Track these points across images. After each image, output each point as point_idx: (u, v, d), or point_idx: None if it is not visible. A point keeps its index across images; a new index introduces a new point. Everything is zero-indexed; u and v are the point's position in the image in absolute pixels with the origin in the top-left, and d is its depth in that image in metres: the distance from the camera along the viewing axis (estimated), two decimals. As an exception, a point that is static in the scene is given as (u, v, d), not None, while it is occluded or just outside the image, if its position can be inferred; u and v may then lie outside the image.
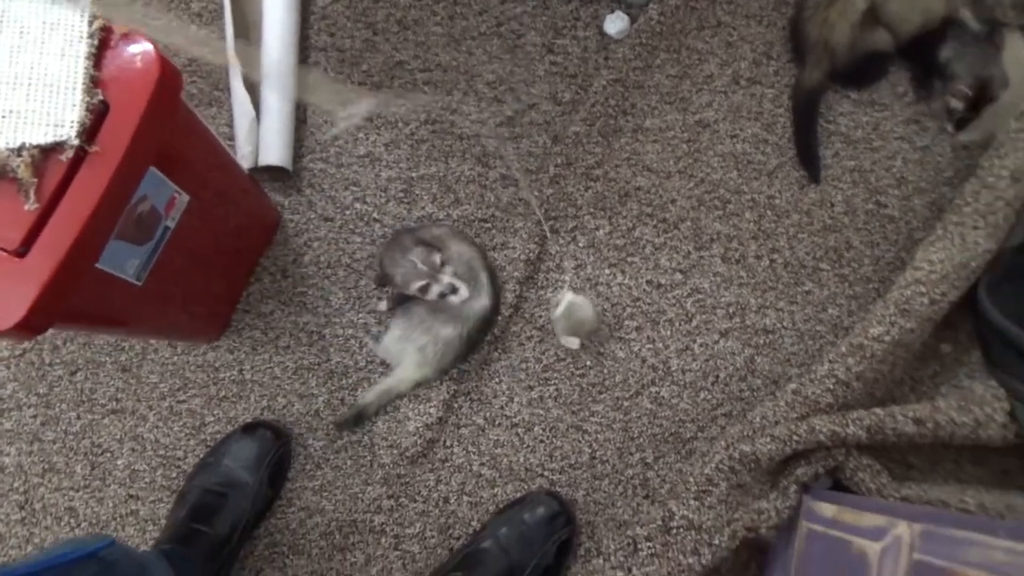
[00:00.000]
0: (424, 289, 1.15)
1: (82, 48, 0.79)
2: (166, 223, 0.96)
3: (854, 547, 0.90)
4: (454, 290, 1.15)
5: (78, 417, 1.26)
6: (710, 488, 1.09)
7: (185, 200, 0.98)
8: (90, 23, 0.79)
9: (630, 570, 1.07)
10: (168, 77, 0.82)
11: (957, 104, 1.20)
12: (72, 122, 0.77)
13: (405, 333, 1.21)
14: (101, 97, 0.79)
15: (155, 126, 0.82)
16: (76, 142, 0.77)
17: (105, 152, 0.79)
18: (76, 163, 0.78)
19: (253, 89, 1.28)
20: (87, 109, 0.78)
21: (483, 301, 1.19)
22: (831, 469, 1.11)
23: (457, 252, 1.20)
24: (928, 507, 1.02)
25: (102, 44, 0.80)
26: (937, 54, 1.25)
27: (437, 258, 1.15)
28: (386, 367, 1.26)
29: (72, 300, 0.83)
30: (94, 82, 0.79)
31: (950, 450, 1.19)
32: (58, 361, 1.28)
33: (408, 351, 1.20)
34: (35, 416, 1.26)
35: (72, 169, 0.78)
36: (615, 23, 1.31)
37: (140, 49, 0.81)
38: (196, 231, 1.05)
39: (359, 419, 1.23)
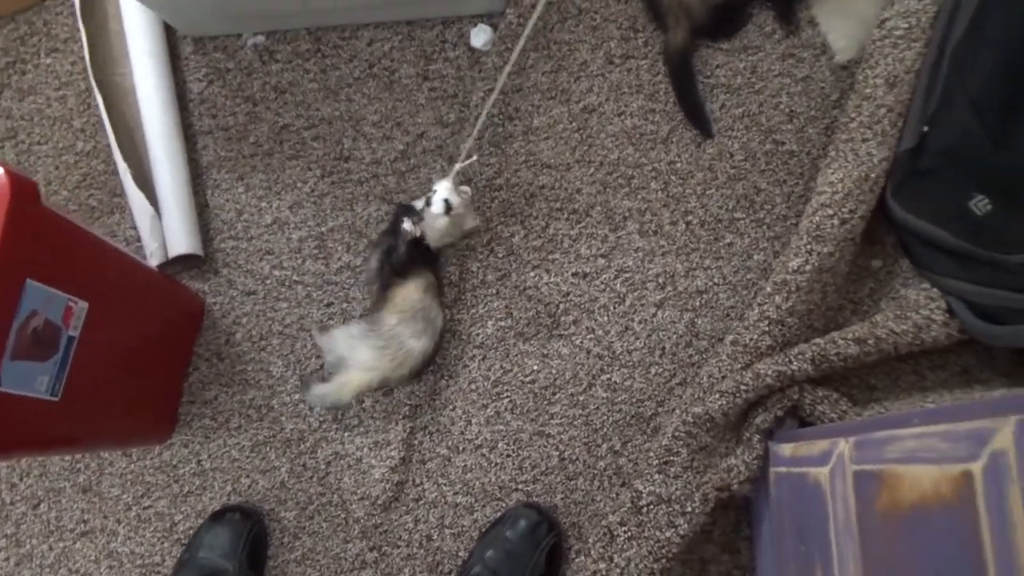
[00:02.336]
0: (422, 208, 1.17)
1: (-73, 182, 0.80)
2: (68, 334, 0.97)
3: (810, 477, 0.88)
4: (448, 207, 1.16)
5: (50, 548, 1.25)
6: (671, 458, 1.08)
7: (84, 307, 0.98)
8: (-70, 157, 0.81)
9: (611, 559, 1.05)
10: (21, 192, 0.83)
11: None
12: (-69, 255, 0.78)
13: (362, 333, 1.20)
14: (-43, 225, 0.80)
15: (20, 241, 0.83)
16: (-62, 273, 0.77)
17: (-28, 277, 0.79)
18: (-55, 294, 0.79)
19: (149, 186, 1.30)
20: (-56, 239, 0.79)
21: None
22: (790, 410, 1.10)
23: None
24: (861, 419, 1.01)
25: (-52, 175, 0.81)
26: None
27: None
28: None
29: (-21, 429, 0.83)
30: (-53, 212, 0.80)
31: (907, 363, 1.19)
32: (18, 498, 1.27)
33: (359, 349, 1.19)
34: (8, 558, 1.25)
35: (-58, 301, 0.78)
36: (480, 36, 1.33)
37: (-13, 170, 0.82)
38: (109, 335, 1.06)
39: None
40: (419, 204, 1.20)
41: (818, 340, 1.09)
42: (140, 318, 1.16)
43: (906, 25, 1.16)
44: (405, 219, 1.20)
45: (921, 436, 0.62)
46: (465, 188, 1.24)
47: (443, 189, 1.17)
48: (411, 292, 1.19)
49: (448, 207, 1.16)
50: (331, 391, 1.20)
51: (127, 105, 1.34)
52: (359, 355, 1.19)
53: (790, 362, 1.07)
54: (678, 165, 1.29)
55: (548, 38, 1.33)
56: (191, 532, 1.23)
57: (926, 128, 1.12)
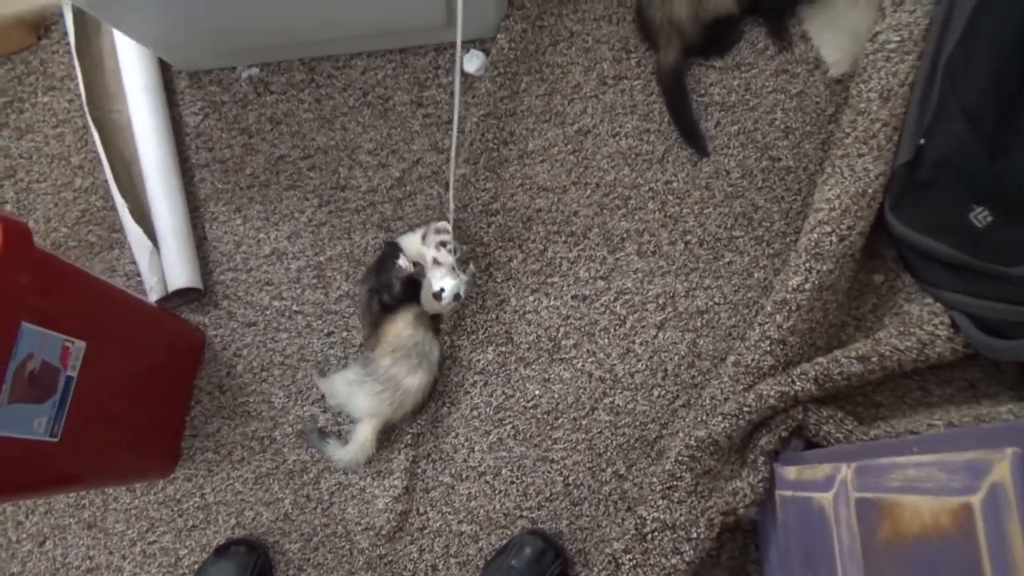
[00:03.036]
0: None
1: (-80, 231, 0.80)
2: (67, 374, 0.97)
3: (815, 502, 0.87)
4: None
5: (56, 587, 1.25)
6: (674, 483, 1.07)
7: (81, 347, 0.98)
8: (-77, 206, 0.81)
9: (617, 587, 1.04)
10: (13, 236, 0.83)
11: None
12: (-76, 304, 0.78)
13: (359, 379, 1.20)
14: (-51, 272, 0.80)
15: (13, 284, 0.83)
16: (-68, 322, 0.78)
17: (-34, 323, 0.80)
18: (-61, 342, 0.79)
19: (148, 221, 1.30)
20: (-63, 288, 0.79)
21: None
22: (795, 430, 1.09)
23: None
24: (863, 443, 0.99)
25: (-59, 222, 0.82)
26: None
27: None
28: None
29: (-23, 475, 0.83)
30: (-60, 260, 0.80)
31: (913, 379, 1.17)
32: (24, 536, 1.27)
33: (358, 396, 1.19)
34: (14, 597, 1.25)
35: (-64, 349, 0.79)
36: (472, 61, 1.33)
37: (-21, 216, 0.83)
38: (108, 373, 1.06)
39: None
40: (412, 237, 1.22)
41: (821, 359, 1.08)
42: (140, 354, 1.16)
43: (898, 38, 1.15)
44: (401, 256, 1.20)
45: (920, 465, 0.61)
46: (471, 268, 1.25)
47: (451, 286, 1.19)
48: (401, 328, 1.19)
49: (458, 297, 1.20)
50: (356, 452, 1.20)
51: (124, 141, 1.35)
52: (359, 402, 1.19)
53: (793, 382, 1.06)
54: (675, 185, 1.28)
55: (540, 61, 1.33)
56: (196, 567, 1.23)
57: (922, 141, 1.11)
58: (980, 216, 1.06)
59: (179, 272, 1.27)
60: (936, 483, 0.58)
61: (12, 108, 1.40)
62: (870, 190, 1.11)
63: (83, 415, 1.00)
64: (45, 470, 0.98)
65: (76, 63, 1.35)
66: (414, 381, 1.18)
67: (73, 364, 0.98)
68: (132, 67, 1.33)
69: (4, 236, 0.82)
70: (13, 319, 0.85)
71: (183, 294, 1.29)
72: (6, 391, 0.86)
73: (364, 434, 1.20)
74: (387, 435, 1.24)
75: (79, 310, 0.99)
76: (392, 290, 1.20)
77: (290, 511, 1.24)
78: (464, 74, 1.34)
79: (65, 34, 1.40)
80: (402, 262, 1.19)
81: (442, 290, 1.19)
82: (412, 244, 1.23)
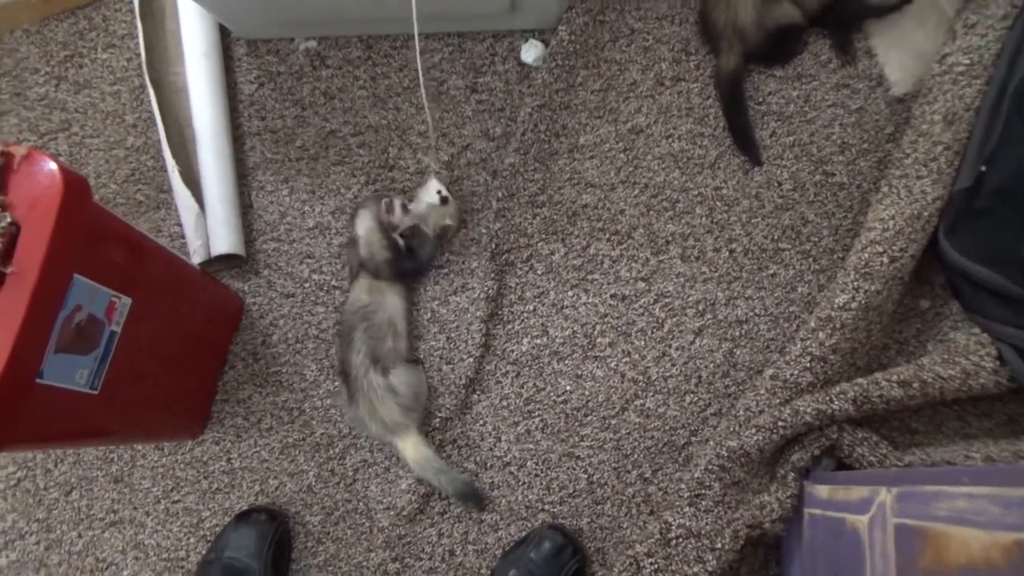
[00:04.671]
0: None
1: (-15, 177, 0.81)
2: (111, 328, 0.98)
3: (847, 524, 0.86)
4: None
5: (79, 536, 1.27)
6: (703, 492, 1.06)
7: (127, 303, 0.99)
8: (-10, 152, 0.82)
9: (636, 590, 1.03)
10: (73, 189, 0.84)
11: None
12: (-16, 248, 0.79)
13: (369, 409, 1.19)
14: (10, 219, 0.81)
15: (69, 237, 0.84)
16: (-10, 267, 0.79)
17: (22, 271, 0.81)
18: (-4, 287, 0.80)
19: (196, 185, 1.31)
20: (-2, 234, 0.80)
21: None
22: (828, 449, 1.08)
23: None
24: (905, 469, 0.98)
25: (5, 169, 0.83)
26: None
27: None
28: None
29: (20, 419, 0.84)
30: (2, 206, 0.81)
31: (952, 408, 1.16)
32: (52, 484, 1.29)
33: (371, 423, 1.20)
34: (38, 542, 1.27)
35: (-8, 294, 0.80)
36: (531, 51, 1.32)
37: (43, 167, 0.83)
38: (149, 331, 1.07)
39: (474, 496, 1.21)
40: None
41: (861, 380, 1.06)
42: (180, 315, 1.17)
43: (967, 61, 1.13)
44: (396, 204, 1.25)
45: (971, 497, 0.60)
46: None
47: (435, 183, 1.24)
48: (353, 356, 1.20)
49: (444, 199, 1.23)
50: (424, 471, 1.20)
51: (179, 103, 1.36)
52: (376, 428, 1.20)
53: (831, 401, 1.05)
54: (724, 191, 1.27)
55: (598, 56, 1.32)
56: (217, 530, 1.24)
57: (984, 167, 1.09)
58: (1037, 249, 1.04)
59: (223, 238, 1.28)
60: (988, 516, 0.57)
61: (72, 62, 1.41)
62: (926, 213, 1.10)
63: (122, 371, 1.01)
64: (82, 421, 1.00)
65: (138, 22, 1.36)
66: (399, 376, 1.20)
67: (118, 320, 0.99)
68: (193, 31, 1.34)
69: (64, 187, 0.83)
70: (67, 270, 0.86)
71: (225, 260, 1.30)
72: (53, 340, 0.87)
73: (409, 455, 1.20)
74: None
75: (128, 267, 1.00)
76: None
77: (313, 483, 1.25)
78: (521, 64, 1.33)
79: (129, -8, 1.41)
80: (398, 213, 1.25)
81: (439, 191, 1.23)
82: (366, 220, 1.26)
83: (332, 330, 1.30)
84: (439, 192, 1.23)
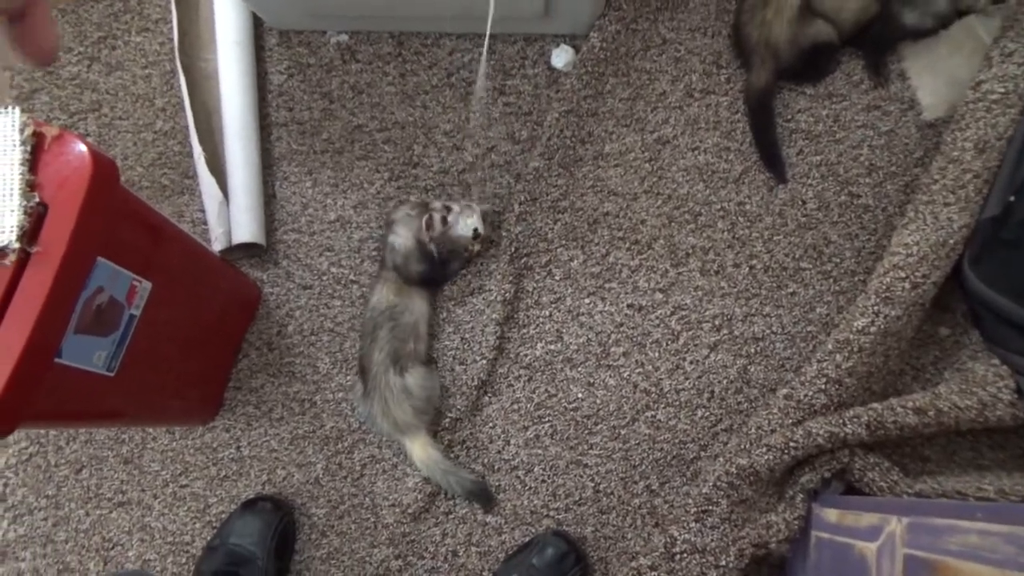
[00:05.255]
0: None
1: (16, 155, 0.82)
2: (130, 312, 0.98)
3: (855, 550, 0.86)
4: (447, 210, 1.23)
5: (87, 514, 1.28)
6: (710, 508, 1.05)
7: (148, 287, 1.00)
8: (22, 131, 0.83)
9: (638, 603, 1.03)
10: (102, 171, 0.84)
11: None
12: (12, 227, 0.79)
13: (383, 408, 1.20)
14: (38, 199, 0.82)
15: (95, 219, 0.84)
16: (16, 245, 0.79)
17: (47, 251, 0.81)
18: (21, 266, 0.80)
19: (221, 172, 1.32)
20: (25, 213, 0.80)
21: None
22: (838, 472, 1.07)
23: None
24: (917, 499, 0.97)
25: (36, 148, 0.83)
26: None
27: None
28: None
29: (38, 397, 0.85)
30: (30, 186, 0.82)
31: (966, 438, 1.15)
32: (63, 461, 1.30)
33: (383, 421, 1.20)
34: (46, 518, 1.28)
35: (17, 272, 0.80)
36: (561, 56, 1.32)
37: (73, 148, 0.84)
38: (167, 316, 1.07)
39: (484, 494, 1.22)
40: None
41: (875, 405, 1.06)
42: (199, 302, 1.17)
43: (1003, 90, 1.12)
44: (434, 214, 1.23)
45: (985, 533, 0.59)
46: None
47: (476, 218, 1.22)
48: (376, 353, 1.21)
49: (477, 235, 1.22)
50: (433, 474, 1.21)
51: (208, 90, 1.37)
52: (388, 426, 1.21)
53: (844, 424, 1.04)
54: (748, 207, 1.26)
55: (628, 65, 1.31)
56: (223, 516, 1.25)
57: (1013, 198, 1.07)
58: (1062, 282, 1.03)
59: (244, 226, 1.29)
60: (1003, 555, 0.56)
61: (105, 44, 1.42)
62: (951, 241, 1.09)
63: (139, 354, 1.02)
64: (97, 402, 1.01)
65: (172, 7, 1.37)
66: (411, 378, 1.20)
67: (138, 303, 0.99)
68: (226, 19, 1.35)
69: (93, 169, 0.83)
70: (91, 252, 0.87)
71: (245, 248, 1.31)
72: (74, 321, 0.87)
73: (417, 455, 1.20)
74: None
75: (151, 252, 1.00)
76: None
77: (321, 476, 1.26)
78: (551, 69, 1.33)
79: (165, -22, 1.42)
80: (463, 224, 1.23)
81: (476, 228, 1.23)
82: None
83: (348, 324, 1.30)
84: (476, 230, 1.22)
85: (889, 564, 0.76)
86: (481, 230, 1.23)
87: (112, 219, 0.89)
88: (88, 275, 0.87)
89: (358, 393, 1.22)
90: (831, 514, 0.97)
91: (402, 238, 1.23)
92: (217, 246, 1.29)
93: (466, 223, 1.23)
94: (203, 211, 1.34)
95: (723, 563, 1.02)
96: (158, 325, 1.05)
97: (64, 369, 0.89)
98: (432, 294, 1.28)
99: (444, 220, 1.22)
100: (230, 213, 1.30)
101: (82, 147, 0.84)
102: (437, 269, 1.25)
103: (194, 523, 1.26)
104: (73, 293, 0.86)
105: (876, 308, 1.08)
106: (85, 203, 0.83)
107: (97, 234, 0.86)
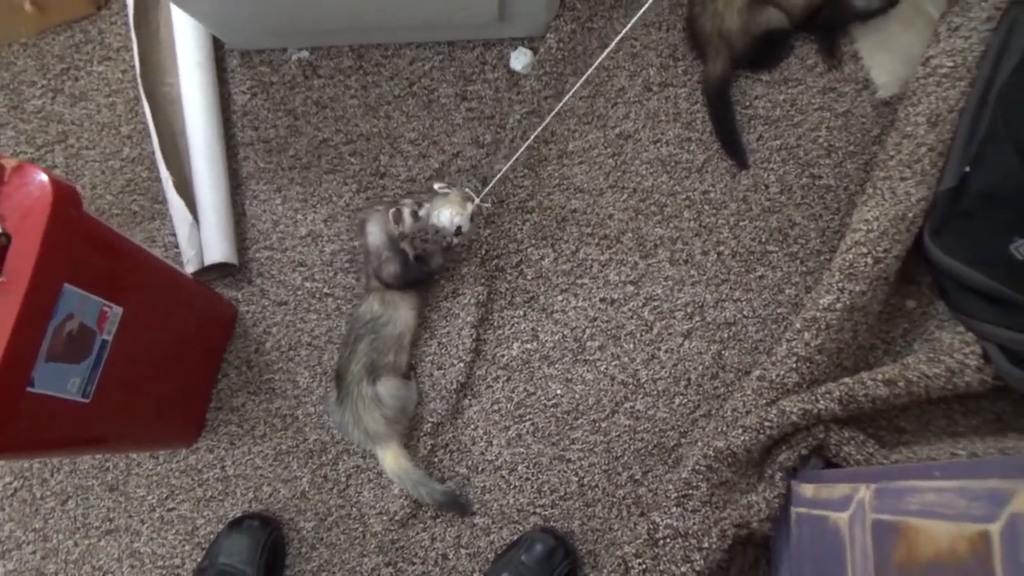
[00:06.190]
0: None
1: (-25, 188, 0.83)
2: (102, 337, 0.99)
3: (830, 522, 0.87)
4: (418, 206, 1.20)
5: (75, 544, 1.28)
6: (690, 492, 1.07)
7: (119, 312, 1.01)
8: (-21, 164, 0.84)
9: (625, 591, 1.04)
10: (63, 199, 0.85)
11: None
12: (-25, 259, 0.81)
13: (355, 416, 1.20)
14: (1, 230, 0.83)
15: (59, 246, 0.85)
16: (-20, 276, 0.80)
17: (12, 280, 0.82)
18: (-14, 296, 0.81)
19: (190, 195, 1.33)
20: (-12, 244, 0.81)
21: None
22: (815, 449, 1.09)
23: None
24: (883, 465, 0.98)
25: (-4, 181, 0.84)
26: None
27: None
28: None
29: (12, 427, 0.85)
30: (-8, 218, 0.83)
31: (939, 407, 1.16)
32: (48, 493, 1.30)
33: (355, 431, 1.21)
34: (35, 552, 1.28)
35: (-17, 303, 0.81)
36: (520, 59, 1.34)
37: (33, 178, 0.85)
38: (141, 340, 1.08)
39: (456, 504, 1.22)
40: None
41: (847, 380, 1.07)
42: (173, 324, 1.18)
43: (951, 63, 1.14)
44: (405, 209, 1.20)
45: (941, 491, 0.61)
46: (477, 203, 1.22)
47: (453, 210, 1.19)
48: (353, 364, 1.21)
49: (459, 231, 1.19)
50: (402, 482, 1.21)
51: (173, 114, 1.38)
52: (359, 436, 1.21)
53: (817, 400, 1.05)
54: (712, 195, 1.28)
55: (587, 63, 1.33)
56: (212, 537, 1.25)
57: (968, 168, 1.09)
58: (1021, 249, 1.05)
59: (216, 247, 1.30)
60: (955, 509, 0.57)
61: (68, 75, 1.43)
62: (910, 214, 1.11)
63: (115, 379, 1.02)
64: (75, 430, 1.01)
65: (133, 35, 1.38)
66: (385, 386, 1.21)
67: (109, 328, 1.00)
68: (186, 42, 1.36)
69: (54, 197, 0.84)
70: (57, 279, 0.87)
71: (219, 269, 1.32)
72: (44, 349, 0.88)
73: (388, 465, 1.21)
74: (412, 423, 1.25)
75: (119, 276, 1.01)
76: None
77: (307, 490, 1.26)
78: (511, 71, 1.35)
79: (124, 6, 1.43)
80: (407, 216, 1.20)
81: (460, 227, 1.19)
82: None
83: (325, 337, 1.31)
84: (460, 227, 1.18)
85: (861, 532, 0.77)
86: (464, 225, 1.18)
87: (77, 246, 0.90)
88: (55, 303, 0.88)
89: (331, 400, 1.23)
90: (807, 489, 0.98)
91: (373, 236, 1.23)
92: (190, 268, 1.29)
93: (443, 214, 1.18)
94: (175, 235, 1.34)
95: (706, 545, 1.03)
96: (132, 349, 1.05)
97: (38, 398, 0.90)
98: (420, 304, 1.28)
99: (414, 215, 1.19)
100: (201, 235, 1.31)
101: (42, 176, 0.85)
102: (412, 268, 1.23)
103: (183, 546, 1.26)
104: (41, 321, 0.86)
105: (840, 285, 1.10)
106: (48, 231, 0.84)
107: (62, 261, 0.87)
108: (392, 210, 1.19)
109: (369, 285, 1.26)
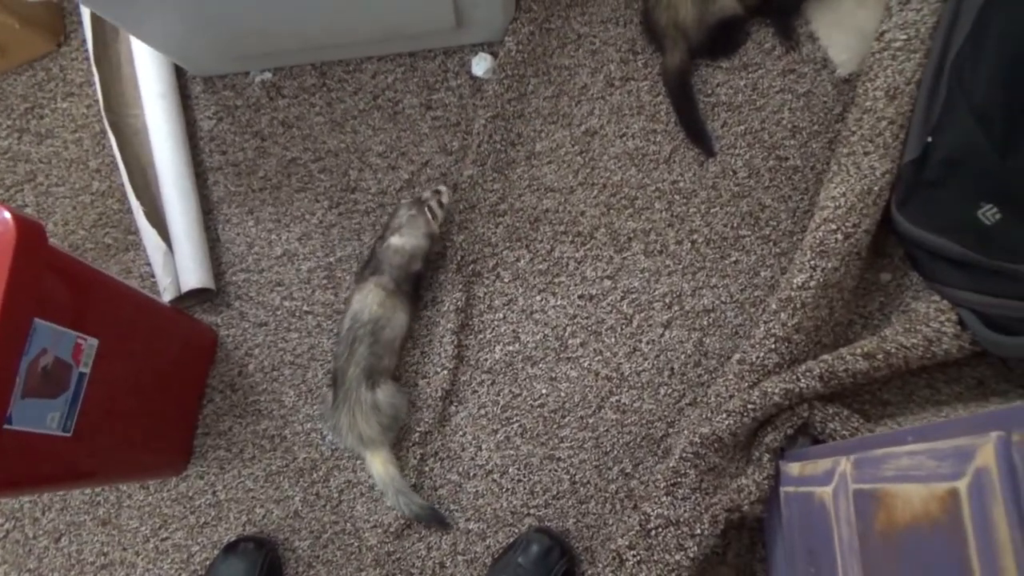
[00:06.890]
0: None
1: (-63, 229, 0.83)
2: (79, 370, 0.99)
3: (815, 497, 0.87)
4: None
5: (71, 582, 1.27)
6: (679, 480, 1.07)
7: (94, 344, 1.01)
8: (-60, 204, 0.83)
9: (621, 584, 1.04)
10: (27, 235, 0.85)
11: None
12: (-59, 299, 0.80)
13: (350, 421, 1.20)
14: (-35, 269, 0.82)
15: (26, 282, 0.85)
16: (-53, 316, 0.80)
17: (-21, 318, 0.82)
18: (-45, 336, 0.81)
19: (162, 223, 1.33)
20: (-47, 283, 0.81)
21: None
22: (801, 428, 1.09)
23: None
24: (862, 436, 0.99)
25: (-42, 220, 0.84)
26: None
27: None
28: (352, 454, 1.26)
29: (-8, 466, 0.85)
30: (-44, 257, 0.83)
31: (922, 377, 1.17)
32: (41, 532, 1.29)
33: (348, 435, 1.20)
34: (31, 592, 1.27)
35: (-48, 343, 0.81)
36: (481, 64, 1.35)
37: (-5, 215, 0.85)
38: (121, 371, 1.08)
39: (433, 518, 1.22)
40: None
41: (826, 356, 1.08)
42: (153, 353, 1.18)
43: (905, 36, 1.15)
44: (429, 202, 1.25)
45: (913, 454, 0.61)
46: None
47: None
48: (352, 368, 1.21)
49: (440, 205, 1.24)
50: (387, 491, 1.21)
51: (140, 145, 1.38)
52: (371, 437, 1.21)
53: (798, 379, 1.06)
54: (681, 185, 1.29)
55: (547, 63, 1.34)
56: (207, 563, 1.24)
57: (930, 138, 1.10)
58: (988, 213, 1.06)
59: (192, 273, 1.30)
60: (926, 470, 0.58)
61: (33, 114, 1.43)
62: (876, 188, 1.11)
63: (96, 411, 1.02)
64: (59, 465, 1.01)
65: (94, 69, 1.38)
66: (383, 393, 1.20)
67: (86, 361, 1.00)
68: (148, 73, 1.36)
69: (18, 234, 0.84)
70: (26, 314, 0.87)
71: (196, 295, 1.32)
72: (19, 386, 0.88)
73: (376, 470, 1.21)
74: (395, 435, 1.24)
75: (92, 308, 1.01)
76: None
77: (300, 508, 1.26)
78: (473, 78, 1.36)
79: (84, 41, 1.44)
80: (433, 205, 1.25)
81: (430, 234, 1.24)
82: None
83: (307, 355, 1.31)
84: (429, 235, 1.24)
85: (844, 503, 0.77)
86: (435, 230, 1.25)
87: (44, 280, 0.90)
88: (26, 338, 0.88)
89: (327, 404, 1.23)
90: (794, 467, 0.99)
91: (413, 239, 1.23)
92: (167, 296, 1.29)
93: (418, 228, 1.25)
94: (150, 265, 1.34)
95: (698, 532, 1.03)
96: (112, 380, 1.05)
97: (16, 435, 0.89)
98: (415, 307, 1.28)
99: (440, 203, 1.24)
100: (176, 262, 1.31)
101: (5, 214, 0.85)
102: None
103: (180, 574, 1.26)
104: (13, 358, 0.86)
105: (812, 263, 1.10)
106: (13, 268, 0.84)
107: (30, 297, 0.87)
108: (426, 208, 1.23)
109: (373, 280, 1.23)
